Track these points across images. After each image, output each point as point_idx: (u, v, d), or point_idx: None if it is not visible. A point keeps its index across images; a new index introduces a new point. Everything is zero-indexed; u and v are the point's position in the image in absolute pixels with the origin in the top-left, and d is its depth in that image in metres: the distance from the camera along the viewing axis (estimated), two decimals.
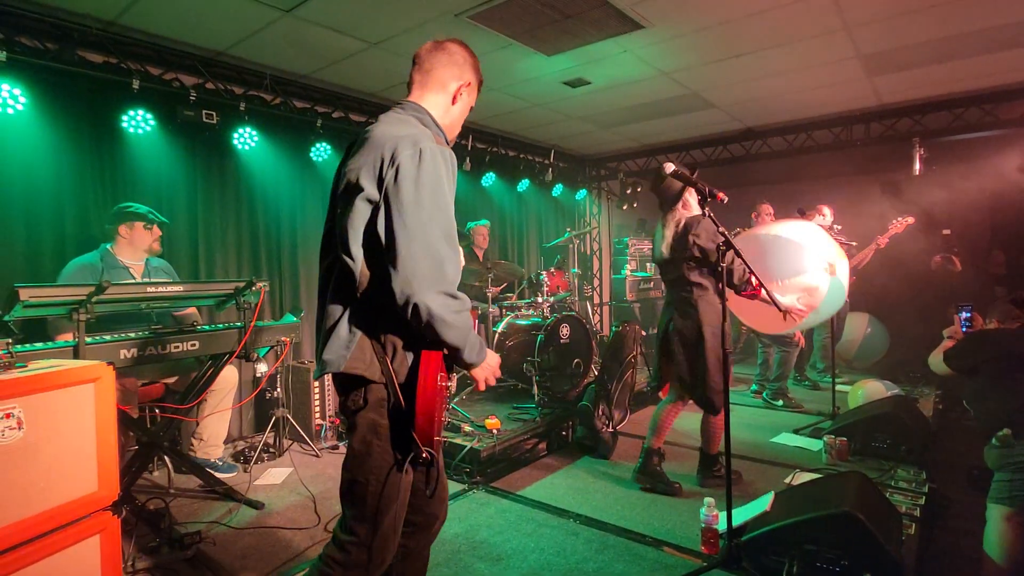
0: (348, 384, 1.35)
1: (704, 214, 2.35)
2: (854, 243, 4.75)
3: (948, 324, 2.88)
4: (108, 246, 3.08)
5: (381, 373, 1.32)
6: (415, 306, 1.21)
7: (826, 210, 5.03)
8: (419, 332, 1.27)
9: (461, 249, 1.45)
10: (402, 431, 1.31)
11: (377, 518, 1.33)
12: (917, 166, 5.19)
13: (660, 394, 3.23)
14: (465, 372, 1.40)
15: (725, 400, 2.29)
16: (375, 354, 1.32)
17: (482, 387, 1.43)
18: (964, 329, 2.88)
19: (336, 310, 1.35)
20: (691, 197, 2.81)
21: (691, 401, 2.98)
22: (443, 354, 1.32)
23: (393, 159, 1.25)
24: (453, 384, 1.45)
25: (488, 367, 1.41)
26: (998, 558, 2.09)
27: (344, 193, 1.34)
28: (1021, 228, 4.87)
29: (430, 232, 1.23)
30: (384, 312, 1.29)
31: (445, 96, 1.49)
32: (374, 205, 1.28)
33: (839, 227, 4.78)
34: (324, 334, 1.36)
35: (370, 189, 1.27)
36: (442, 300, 1.23)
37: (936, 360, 2.71)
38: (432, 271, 1.23)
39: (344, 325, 1.33)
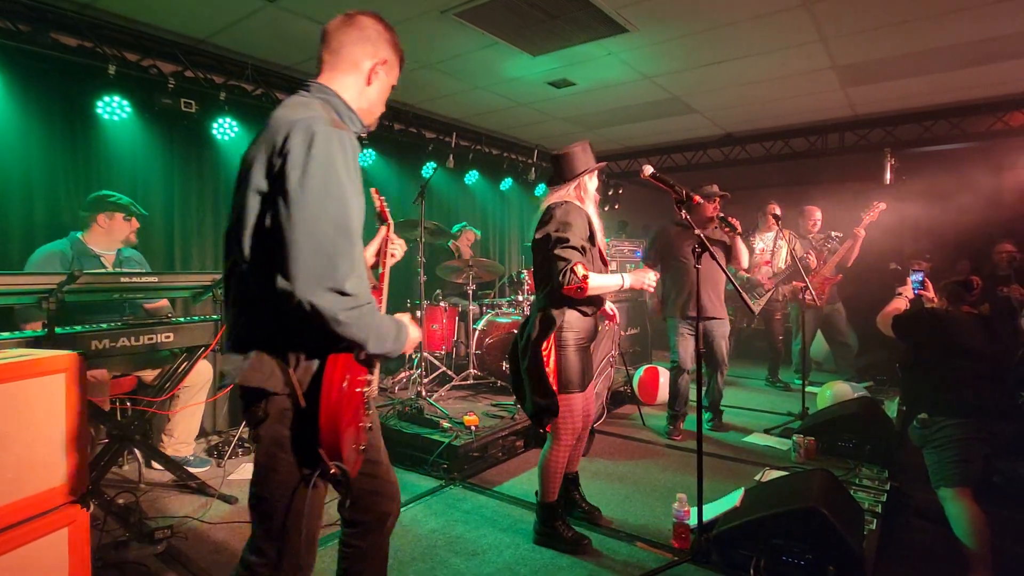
0: (249, 396, 1.25)
1: (681, 217, 2.39)
2: (838, 233, 4.83)
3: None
4: (79, 234, 3.00)
5: (284, 384, 1.21)
6: (299, 305, 1.11)
7: (817, 214, 5.09)
8: (319, 330, 1.16)
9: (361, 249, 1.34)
10: (309, 444, 1.21)
11: (285, 537, 1.24)
12: (888, 175, 5.36)
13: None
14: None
15: (698, 412, 2.34)
16: (276, 365, 1.21)
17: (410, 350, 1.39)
18: (915, 291, 2.92)
19: (235, 318, 1.27)
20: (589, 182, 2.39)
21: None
22: (354, 357, 1.23)
23: (284, 146, 1.16)
24: (374, 387, 1.38)
25: (411, 345, 1.35)
26: (969, 541, 2.14)
27: (238, 186, 1.25)
28: (985, 238, 5.06)
29: (319, 224, 1.13)
30: (283, 318, 1.17)
31: (358, 76, 1.38)
32: (263, 198, 1.19)
33: (839, 234, 4.81)
34: (225, 343, 1.29)
35: (260, 181, 1.19)
36: (331, 298, 1.12)
37: (884, 322, 2.76)
38: (320, 267, 1.12)
39: (242, 334, 1.24)
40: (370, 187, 1.75)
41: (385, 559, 1.57)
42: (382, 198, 1.75)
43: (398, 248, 1.70)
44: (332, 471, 1.21)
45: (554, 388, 2.24)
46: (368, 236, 1.65)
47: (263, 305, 1.19)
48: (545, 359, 2.24)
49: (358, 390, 1.26)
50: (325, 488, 1.32)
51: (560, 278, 2.16)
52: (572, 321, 2.29)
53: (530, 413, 2.36)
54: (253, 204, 1.19)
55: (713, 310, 3.76)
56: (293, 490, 1.23)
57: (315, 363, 1.22)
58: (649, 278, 2.42)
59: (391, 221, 1.72)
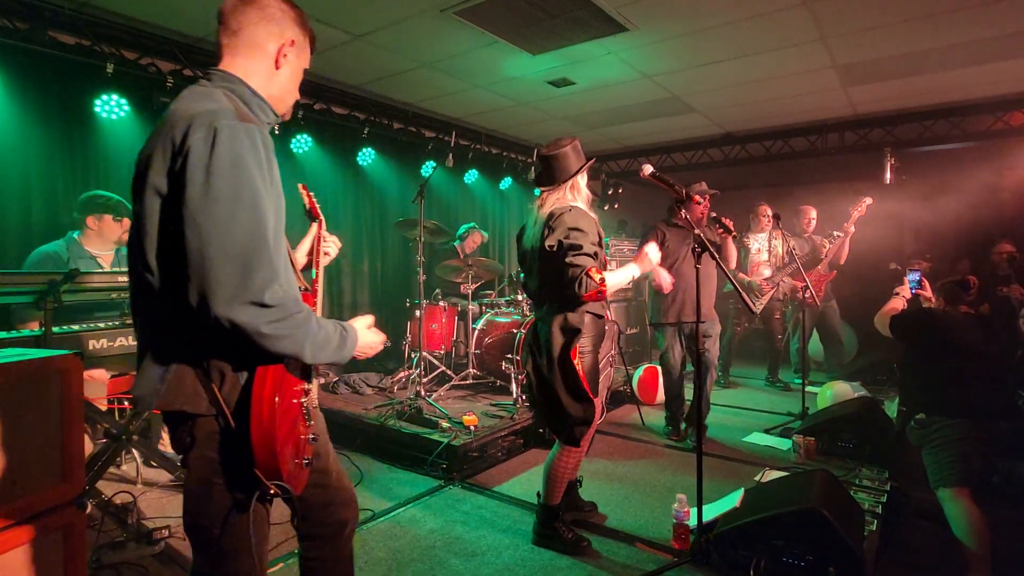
0: (172, 420, 1.15)
1: (681, 216, 2.38)
2: (837, 233, 4.84)
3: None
4: (75, 235, 2.98)
5: (208, 404, 1.11)
6: (216, 321, 1.02)
7: (812, 213, 5.10)
8: (246, 343, 1.07)
9: (288, 250, 1.28)
10: (243, 466, 1.11)
11: (225, 566, 1.17)
12: (888, 175, 5.35)
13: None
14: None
15: (698, 412, 2.33)
16: (198, 382, 1.11)
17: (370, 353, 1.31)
18: (912, 291, 2.97)
19: (148, 334, 1.15)
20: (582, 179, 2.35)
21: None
22: (286, 367, 1.14)
23: (183, 144, 1.04)
24: (313, 396, 1.29)
25: (363, 349, 1.27)
26: (968, 541, 2.13)
27: (135, 191, 1.13)
28: (985, 238, 5.06)
29: (230, 231, 1.02)
30: (200, 331, 1.06)
31: (264, 60, 1.25)
32: (165, 202, 1.07)
33: (839, 234, 4.79)
34: (137, 362, 1.16)
35: (159, 182, 1.07)
36: (251, 312, 1.03)
37: (882, 321, 2.76)
38: (234, 279, 1.01)
39: (158, 350, 1.12)
40: (298, 182, 1.67)
41: (350, 563, 1.50)
42: (311, 193, 1.65)
43: (332, 246, 1.61)
44: (272, 491, 1.13)
45: (590, 395, 2.21)
46: (299, 234, 1.57)
47: (177, 319, 1.08)
48: (578, 368, 2.19)
49: (294, 401, 1.19)
50: (267, 507, 1.23)
51: (576, 288, 2.07)
52: (589, 325, 2.25)
53: (565, 427, 2.26)
54: (154, 209, 1.08)
55: (704, 312, 3.75)
56: (228, 515, 1.15)
57: (243, 376, 1.13)
58: (649, 258, 2.34)
59: (322, 218, 1.62)
